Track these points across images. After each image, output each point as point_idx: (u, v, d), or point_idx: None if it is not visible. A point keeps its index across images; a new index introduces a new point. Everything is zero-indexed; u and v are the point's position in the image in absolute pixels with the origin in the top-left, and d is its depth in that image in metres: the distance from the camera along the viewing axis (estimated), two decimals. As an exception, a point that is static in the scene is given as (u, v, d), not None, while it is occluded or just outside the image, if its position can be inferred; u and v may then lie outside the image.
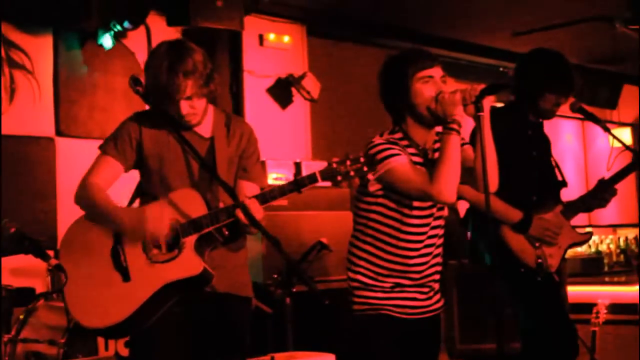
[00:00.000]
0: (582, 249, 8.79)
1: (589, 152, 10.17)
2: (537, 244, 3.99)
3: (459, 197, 3.77)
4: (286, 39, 6.95)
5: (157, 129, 3.18)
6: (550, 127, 4.31)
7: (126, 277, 3.06)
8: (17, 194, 5.41)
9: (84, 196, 3.16)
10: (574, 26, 7.53)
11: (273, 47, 6.89)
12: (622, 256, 9.50)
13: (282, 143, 6.77)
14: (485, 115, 3.08)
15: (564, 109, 4.14)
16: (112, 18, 5.57)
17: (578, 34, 7.71)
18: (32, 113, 5.65)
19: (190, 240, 3.04)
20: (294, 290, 4.77)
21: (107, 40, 5.68)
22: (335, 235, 5.00)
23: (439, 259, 3.34)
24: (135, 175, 3.27)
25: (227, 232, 3.08)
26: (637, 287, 5.55)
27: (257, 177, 3.27)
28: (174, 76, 2.99)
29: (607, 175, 4.14)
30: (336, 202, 5.76)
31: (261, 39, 6.83)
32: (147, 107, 3.26)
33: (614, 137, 4.12)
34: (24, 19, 5.60)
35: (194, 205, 3.07)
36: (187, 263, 3.03)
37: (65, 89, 5.81)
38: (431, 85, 3.18)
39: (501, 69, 8.58)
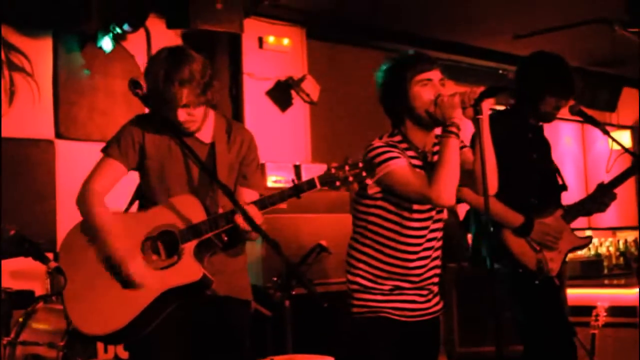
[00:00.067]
0: (581, 252, 8.75)
1: (588, 154, 10.15)
2: (537, 248, 3.98)
3: (459, 200, 3.76)
4: (286, 41, 6.95)
5: (159, 134, 3.18)
6: (549, 129, 4.30)
7: (126, 283, 3.06)
8: (16, 197, 5.41)
9: (84, 203, 3.16)
10: (574, 29, 7.53)
11: (273, 49, 6.88)
12: (621, 259, 9.47)
13: (282, 146, 6.77)
14: (484, 118, 3.08)
15: (564, 111, 4.14)
16: (112, 20, 5.56)
17: (578, 36, 7.71)
18: (31, 115, 5.64)
19: (189, 246, 3.04)
20: (294, 293, 4.75)
21: (106, 43, 5.68)
22: (334, 238, 4.99)
23: (438, 262, 3.34)
24: (135, 176, 3.27)
25: (226, 238, 3.08)
26: (637, 289, 5.54)
27: (256, 184, 3.28)
28: (169, 84, 2.99)
29: (606, 179, 4.14)
30: (335, 205, 5.74)
31: (261, 41, 6.83)
32: (146, 110, 3.26)
33: (614, 139, 4.11)
34: (23, 21, 5.59)
35: (193, 211, 3.07)
36: (187, 269, 3.03)
37: (65, 92, 5.80)
38: (430, 88, 3.18)
39: (500, 71, 8.57)
